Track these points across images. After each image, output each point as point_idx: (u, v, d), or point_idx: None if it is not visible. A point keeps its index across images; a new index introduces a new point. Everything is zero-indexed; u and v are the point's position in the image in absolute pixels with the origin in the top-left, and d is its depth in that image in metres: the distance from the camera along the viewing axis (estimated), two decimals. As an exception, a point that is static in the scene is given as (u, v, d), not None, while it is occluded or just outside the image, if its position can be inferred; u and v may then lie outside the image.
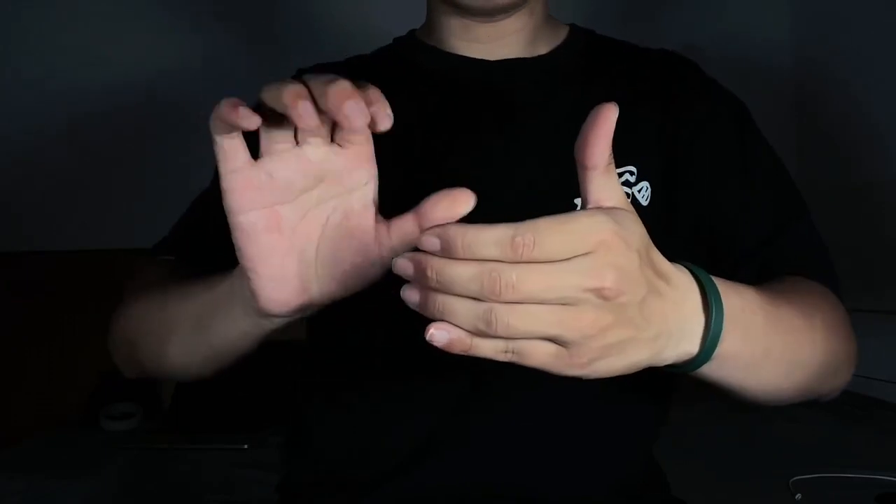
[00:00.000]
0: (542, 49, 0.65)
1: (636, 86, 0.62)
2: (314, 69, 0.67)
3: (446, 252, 0.31)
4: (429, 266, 0.31)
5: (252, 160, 0.39)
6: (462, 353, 0.33)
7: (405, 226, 0.40)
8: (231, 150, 0.39)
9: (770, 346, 0.45)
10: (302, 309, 0.43)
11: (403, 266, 0.32)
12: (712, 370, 0.42)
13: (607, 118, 0.34)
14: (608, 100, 0.58)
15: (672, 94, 0.62)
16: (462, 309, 0.31)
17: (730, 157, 0.61)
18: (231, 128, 0.37)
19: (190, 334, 0.51)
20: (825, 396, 0.55)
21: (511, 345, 0.32)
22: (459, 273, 0.31)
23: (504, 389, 0.55)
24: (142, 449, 1.45)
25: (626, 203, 0.36)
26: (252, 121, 0.36)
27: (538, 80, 0.62)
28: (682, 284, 0.38)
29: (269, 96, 0.37)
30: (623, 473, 0.59)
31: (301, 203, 0.40)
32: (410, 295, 0.33)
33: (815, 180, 0.67)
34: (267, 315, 0.43)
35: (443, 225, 0.32)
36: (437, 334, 0.32)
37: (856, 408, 1.83)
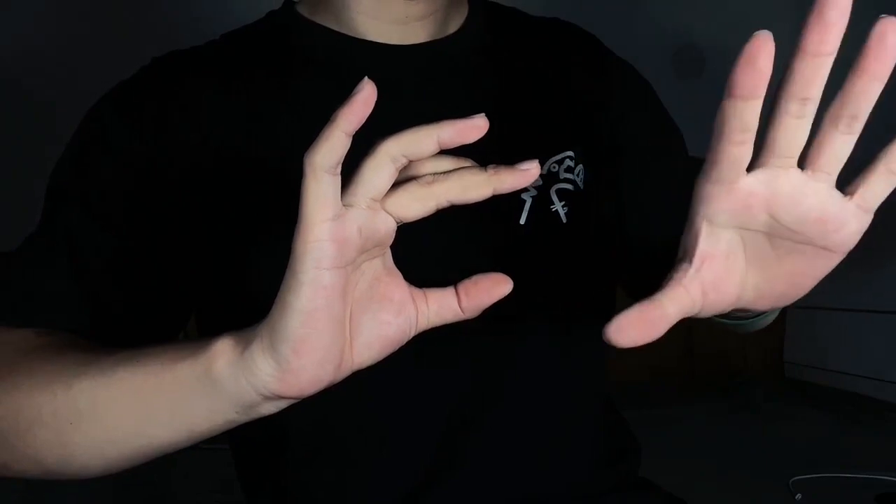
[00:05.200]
0: (452, 26, 0.57)
1: (556, 67, 0.60)
2: (169, 59, 0.55)
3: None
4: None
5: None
6: None
7: (446, 297, 0.38)
8: (335, 190, 0.32)
9: None
10: (323, 387, 0.36)
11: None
12: None
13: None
14: (533, 80, 0.60)
15: (585, 71, 0.61)
16: None
17: (655, 129, 0.62)
18: (338, 164, 0.32)
19: (120, 428, 0.42)
20: None
21: None
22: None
23: (486, 415, 0.54)
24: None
25: None
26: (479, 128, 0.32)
27: (457, 64, 0.56)
28: None
29: (407, 141, 0.33)
30: (604, 441, 0.59)
31: (354, 265, 0.35)
32: None
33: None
34: (284, 398, 0.36)
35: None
36: None
37: (856, 408, 1.83)
